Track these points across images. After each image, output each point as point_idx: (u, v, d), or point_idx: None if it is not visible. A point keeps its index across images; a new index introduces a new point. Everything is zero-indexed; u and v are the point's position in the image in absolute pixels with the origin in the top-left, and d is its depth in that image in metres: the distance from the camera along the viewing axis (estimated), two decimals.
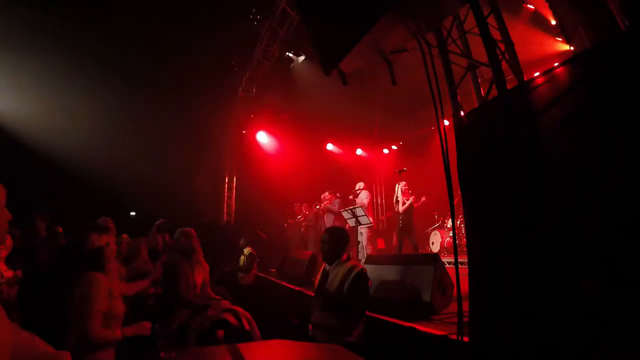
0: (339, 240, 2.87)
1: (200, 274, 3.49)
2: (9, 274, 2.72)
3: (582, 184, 1.81)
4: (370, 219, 5.95)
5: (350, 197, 7.28)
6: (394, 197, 6.73)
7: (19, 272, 2.81)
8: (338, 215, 8.04)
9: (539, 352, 1.86)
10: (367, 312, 3.39)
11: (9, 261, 2.85)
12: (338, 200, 8.22)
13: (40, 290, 2.68)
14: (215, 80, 9.34)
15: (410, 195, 6.76)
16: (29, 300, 2.63)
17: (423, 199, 6.99)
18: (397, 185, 6.68)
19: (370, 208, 7.25)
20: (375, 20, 2.61)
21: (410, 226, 6.73)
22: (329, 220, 8.23)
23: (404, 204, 6.61)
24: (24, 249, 3.57)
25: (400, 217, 6.63)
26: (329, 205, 8.30)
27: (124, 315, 2.10)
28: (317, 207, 8.70)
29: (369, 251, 6.74)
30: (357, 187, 7.42)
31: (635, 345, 1.47)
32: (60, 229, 4.72)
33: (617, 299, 1.58)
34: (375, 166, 12.24)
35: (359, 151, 12.34)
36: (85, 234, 2.19)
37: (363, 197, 7.18)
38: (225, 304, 2.97)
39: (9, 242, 2.80)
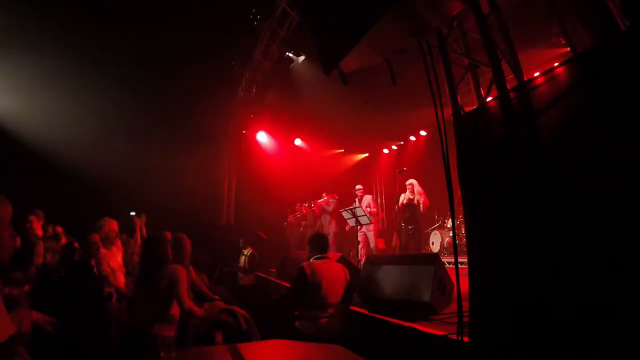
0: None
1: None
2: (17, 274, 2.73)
3: (582, 183, 1.81)
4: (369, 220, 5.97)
5: (355, 202, 7.25)
6: (403, 196, 6.61)
7: (32, 270, 2.84)
8: (333, 215, 8.08)
9: (539, 353, 1.86)
10: (367, 312, 3.42)
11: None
12: (334, 200, 8.22)
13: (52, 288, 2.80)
14: (215, 80, 9.34)
15: (421, 196, 6.66)
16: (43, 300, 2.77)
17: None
18: (412, 182, 6.63)
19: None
20: (375, 20, 2.61)
21: (416, 226, 6.60)
22: (325, 220, 8.26)
23: (418, 202, 6.53)
24: (23, 250, 3.58)
25: (407, 215, 6.51)
26: (325, 206, 8.31)
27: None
28: (312, 205, 8.74)
29: (374, 250, 6.81)
30: (357, 188, 7.40)
31: (636, 345, 1.47)
32: (60, 229, 4.71)
33: (619, 300, 1.58)
34: (375, 166, 12.24)
35: (359, 151, 12.35)
36: (163, 235, 2.95)
37: (370, 202, 7.16)
38: (219, 304, 2.96)
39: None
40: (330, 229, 8.15)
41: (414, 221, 6.49)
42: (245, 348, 1.50)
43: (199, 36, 7.77)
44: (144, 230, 4.65)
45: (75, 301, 3.18)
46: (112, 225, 3.83)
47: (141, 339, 2.52)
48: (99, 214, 3.96)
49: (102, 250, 3.63)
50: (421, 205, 6.50)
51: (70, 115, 7.94)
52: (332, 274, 3.10)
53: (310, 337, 2.78)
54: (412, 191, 6.58)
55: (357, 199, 7.17)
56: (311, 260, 3.21)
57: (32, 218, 4.11)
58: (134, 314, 2.72)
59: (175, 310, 2.66)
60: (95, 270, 3.55)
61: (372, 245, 6.88)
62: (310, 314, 2.99)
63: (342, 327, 3.02)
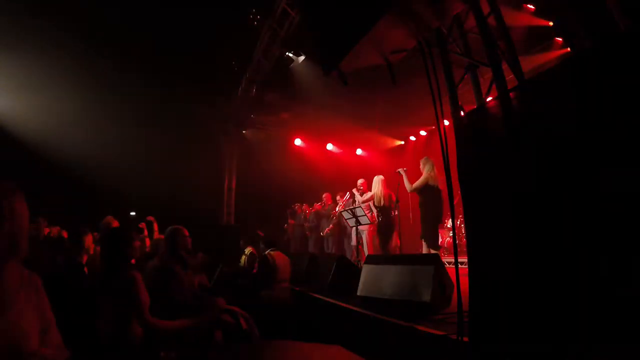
0: None
1: (197, 276, 3.44)
2: None
3: (582, 183, 1.81)
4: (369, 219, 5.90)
5: (354, 198, 7.15)
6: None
7: None
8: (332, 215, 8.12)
9: (539, 352, 1.86)
10: (367, 312, 3.41)
11: None
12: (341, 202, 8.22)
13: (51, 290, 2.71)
14: (215, 80, 9.34)
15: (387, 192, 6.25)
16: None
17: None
18: (379, 178, 6.36)
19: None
20: (375, 20, 2.61)
21: (384, 222, 6.15)
22: (323, 222, 8.33)
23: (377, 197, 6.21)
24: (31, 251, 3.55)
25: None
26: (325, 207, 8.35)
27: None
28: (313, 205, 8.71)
29: (368, 251, 6.70)
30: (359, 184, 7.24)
31: (637, 344, 1.47)
32: (65, 234, 4.71)
33: (619, 299, 1.58)
34: (375, 166, 12.24)
35: (359, 151, 12.34)
36: (124, 230, 2.56)
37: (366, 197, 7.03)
38: (222, 304, 2.94)
39: None
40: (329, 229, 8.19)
41: (382, 219, 6.16)
42: (245, 348, 1.50)
43: (199, 36, 7.78)
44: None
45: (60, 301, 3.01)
46: (113, 224, 3.79)
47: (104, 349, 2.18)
48: (99, 214, 3.95)
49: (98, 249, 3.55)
50: (381, 200, 6.20)
51: (70, 115, 7.95)
52: (283, 260, 4.57)
53: (268, 304, 4.05)
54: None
55: (357, 194, 7.02)
56: (268, 251, 4.65)
57: (41, 219, 4.12)
58: (99, 320, 2.28)
59: (134, 322, 2.24)
60: (85, 269, 3.41)
61: (365, 246, 6.65)
62: (269, 287, 4.36)
63: (290, 298, 4.45)
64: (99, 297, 2.31)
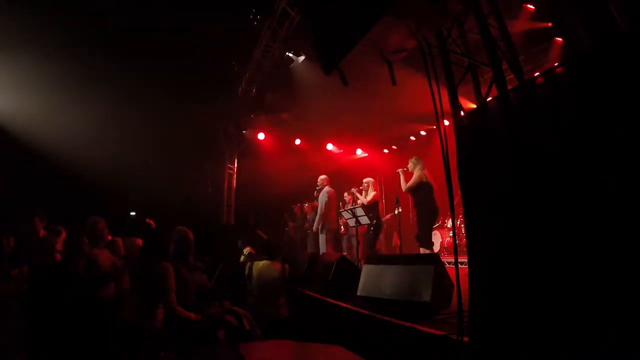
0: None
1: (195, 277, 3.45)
2: (13, 272, 2.72)
3: (582, 183, 1.81)
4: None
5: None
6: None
7: (25, 268, 2.82)
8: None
9: (539, 353, 1.86)
10: (367, 312, 3.41)
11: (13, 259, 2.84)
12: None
13: (47, 284, 2.79)
14: (215, 80, 9.34)
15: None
16: (38, 295, 2.75)
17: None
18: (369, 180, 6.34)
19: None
20: (376, 20, 2.62)
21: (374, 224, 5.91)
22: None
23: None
24: (26, 248, 3.55)
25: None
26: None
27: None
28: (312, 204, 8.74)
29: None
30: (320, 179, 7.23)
31: (636, 346, 1.47)
32: (62, 229, 4.69)
33: (618, 299, 1.58)
34: (375, 166, 12.24)
35: (359, 151, 12.34)
36: (162, 233, 2.92)
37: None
38: (227, 304, 2.96)
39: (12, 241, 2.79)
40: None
41: (373, 222, 5.97)
42: (246, 348, 1.51)
43: (199, 36, 7.77)
44: None
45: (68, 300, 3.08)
46: (104, 224, 3.77)
47: (129, 334, 2.49)
48: (99, 214, 3.93)
49: (95, 250, 3.53)
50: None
51: (70, 115, 7.95)
52: (269, 273, 3.85)
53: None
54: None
55: (357, 193, 7.01)
56: (255, 262, 4.07)
57: (36, 219, 4.08)
58: (124, 309, 2.71)
59: (159, 307, 2.58)
60: (81, 270, 3.41)
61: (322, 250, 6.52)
62: (250, 301, 3.84)
63: (279, 315, 3.71)
64: (134, 282, 2.72)
